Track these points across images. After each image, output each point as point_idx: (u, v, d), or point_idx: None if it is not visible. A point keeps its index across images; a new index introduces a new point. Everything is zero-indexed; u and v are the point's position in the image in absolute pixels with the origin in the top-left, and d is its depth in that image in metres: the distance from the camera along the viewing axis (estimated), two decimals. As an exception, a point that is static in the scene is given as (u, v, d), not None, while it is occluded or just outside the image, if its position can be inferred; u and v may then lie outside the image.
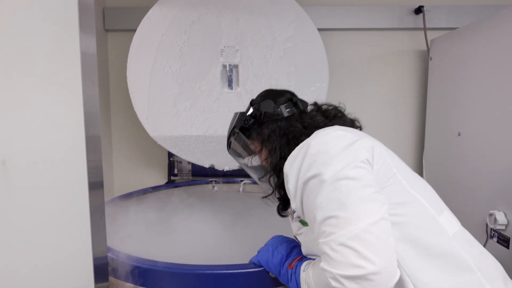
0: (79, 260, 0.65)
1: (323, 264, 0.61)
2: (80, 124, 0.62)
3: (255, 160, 0.95)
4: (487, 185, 1.35)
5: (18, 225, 0.58)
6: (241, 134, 0.94)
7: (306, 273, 0.72)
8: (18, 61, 0.59)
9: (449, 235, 0.67)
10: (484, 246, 0.72)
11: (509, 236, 1.22)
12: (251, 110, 0.93)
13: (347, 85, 2.00)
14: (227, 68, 1.69)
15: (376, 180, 0.66)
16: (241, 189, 1.73)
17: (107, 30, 1.98)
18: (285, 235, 0.93)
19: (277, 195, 0.90)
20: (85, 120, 0.62)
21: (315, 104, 0.92)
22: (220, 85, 1.69)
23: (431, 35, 1.84)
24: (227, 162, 1.75)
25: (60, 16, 0.60)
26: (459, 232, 0.70)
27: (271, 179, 0.88)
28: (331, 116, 0.87)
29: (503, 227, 1.24)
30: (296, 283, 0.76)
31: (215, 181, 1.77)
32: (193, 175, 1.96)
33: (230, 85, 1.70)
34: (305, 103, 0.94)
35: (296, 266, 0.78)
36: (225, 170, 1.76)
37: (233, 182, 1.78)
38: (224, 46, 1.67)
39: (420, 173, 1.87)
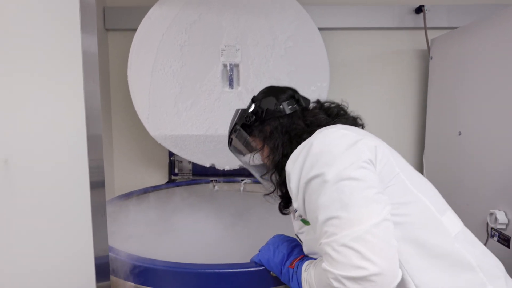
0: (80, 259, 0.65)
1: (325, 265, 0.61)
2: (81, 123, 0.62)
3: (256, 158, 0.94)
4: (487, 184, 1.35)
5: (19, 224, 0.58)
6: (242, 131, 0.93)
7: (308, 273, 0.72)
8: (20, 60, 0.59)
9: (451, 235, 0.67)
10: (485, 245, 0.73)
11: (509, 235, 1.22)
12: (252, 107, 0.93)
13: (348, 85, 2.00)
14: (228, 68, 1.69)
15: (379, 180, 0.66)
16: (241, 188, 1.73)
17: (107, 30, 1.98)
18: (286, 234, 0.93)
19: (279, 193, 0.89)
20: (86, 119, 0.62)
21: (318, 101, 0.92)
22: (220, 85, 1.69)
23: (431, 34, 1.84)
24: (227, 162, 1.76)
25: (62, 15, 0.60)
26: (462, 232, 0.70)
27: (273, 176, 0.87)
28: (334, 114, 0.86)
29: (504, 226, 1.24)
30: (298, 282, 0.76)
31: (216, 180, 1.77)
32: (193, 174, 1.96)
33: (230, 84, 1.70)
34: (307, 100, 0.93)
35: (298, 265, 0.78)
36: (225, 169, 1.76)
37: (234, 182, 1.78)
38: (225, 46, 1.67)
39: (421, 173, 1.87)
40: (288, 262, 0.80)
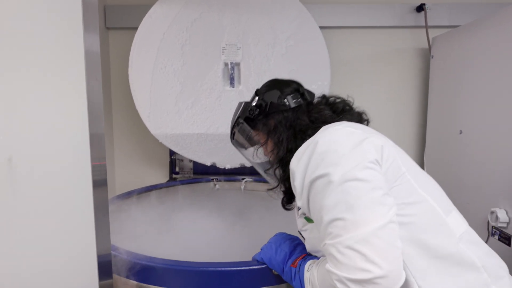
0: (83, 257, 0.65)
1: (329, 266, 0.61)
2: (84, 122, 0.62)
3: (260, 152, 0.92)
4: (488, 183, 1.35)
5: (23, 222, 0.58)
6: (245, 124, 0.91)
7: (310, 273, 0.72)
8: (23, 59, 0.59)
9: (456, 236, 0.66)
10: (486, 243, 0.73)
11: (510, 234, 1.22)
12: (256, 100, 0.90)
13: (349, 83, 2.00)
14: (229, 66, 1.69)
15: (385, 180, 0.65)
16: (242, 187, 1.73)
17: (108, 28, 1.98)
18: (287, 232, 0.93)
19: (282, 188, 0.88)
20: (89, 118, 0.63)
21: (324, 96, 0.89)
22: (221, 83, 1.69)
23: (432, 33, 1.84)
24: (228, 160, 1.76)
25: (64, 14, 0.60)
26: (466, 232, 0.69)
27: (277, 171, 0.86)
28: (339, 110, 0.84)
29: (505, 225, 1.24)
30: (300, 282, 0.75)
31: (217, 179, 1.77)
32: (194, 173, 1.96)
33: (231, 83, 1.70)
34: (312, 94, 0.91)
35: (300, 265, 0.77)
36: (226, 168, 1.76)
37: (235, 180, 1.78)
38: (226, 44, 1.67)
39: (421, 171, 1.87)
40: (290, 261, 0.80)
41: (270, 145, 0.88)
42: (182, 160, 1.96)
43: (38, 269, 0.62)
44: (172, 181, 1.80)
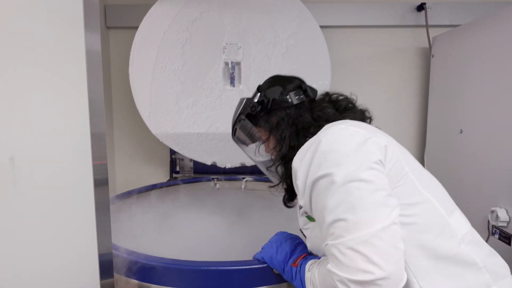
0: (84, 256, 0.65)
1: (330, 266, 0.61)
2: (85, 121, 0.62)
3: (261, 149, 0.92)
4: (489, 182, 1.35)
5: (25, 221, 0.59)
6: (247, 121, 0.91)
7: (311, 273, 0.72)
8: (24, 59, 0.59)
9: (458, 237, 0.66)
10: (487, 243, 0.73)
11: (510, 233, 1.22)
12: (258, 96, 0.89)
13: (349, 83, 2.00)
14: (229, 66, 1.69)
15: (388, 180, 0.64)
16: (243, 186, 1.73)
17: (108, 28, 1.98)
18: (288, 231, 0.93)
19: (284, 186, 0.87)
20: (90, 117, 0.63)
21: (327, 94, 0.88)
22: (222, 83, 1.69)
23: (433, 32, 1.84)
24: (229, 160, 1.76)
25: (65, 14, 0.60)
26: (469, 233, 0.69)
27: (279, 168, 0.85)
28: (342, 108, 0.83)
29: (505, 224, 1.24)
30: (301, 281, 0.75)
31: (217, 178, 1.77)
32: (195, 172, 1.96)
33: (232, 82, 1.70)
34: (314, 91, 0.90)
35: (301, 264, 0.77)
36: (227, 167, 1.76)
37: (235, 180, 1.78)
38: (226, 44, 1.67)
39: (422, 171, 1.87)
40: (291, 261, 0.80)
41: (272, 142, 0.87)
42: (182, 160, 1.96)
43: (39, 268, 0.62)
44: (173, 180, 1.80)
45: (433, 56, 1.82)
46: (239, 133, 0.95)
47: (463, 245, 0.65)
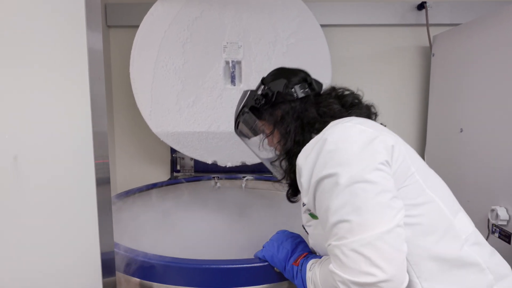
0: (87, 255, 0.65)
1: (332, 267, 0.61)
2: (87, 120, 0.63)
3: (265, 143, 0.90)
4: (489, 181, 1.36)
5: (28, 219, 0.59)
6: (251, 114, 0.88)
7: (313, 272, 0.72)
8: (26, 58, 0.59)
9: (462, 238, 0.65)
10: (487, 242, 0.73)
11: (510, 232, 1.23)
12: (262, 89, 0.87)
13: (349, 81, 1.98)
14: (230, 65, 1.69)
15: (394, 181, 0.63)
16: (243, 185, 1.73)
17: (109, 27, 1.98)
18: (289, 230, 0.93)
19: (288, 180, 0.86)
20: (92, 116, 0.63)
21: (333, 89, 0.86)
22: (223, 82, 1.69)
23: (433, 31, 1.84)
24: (229, 159, 1.76)
25: (67, 13, 0.60)
26: (472, 234, 0.68)
27: (283, 163, 0.84)
28: (348, 104, 0.82)
29: (505, 223, 1.24)
30: (302, 281, 0.75)
31: (218, 177, 1.77)
32: (195, 171, 1.97)
33: (233, 81, 1.71)
34: (319, 84, 0.88)
35: (302, 263, 0.77)
36: (227, 166, 1.76)
37: (236, 178, 1.78)
38: (227, 42, 1.67)
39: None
40: (292, 259, 0.80)
41: (276, 136, 0.85)
42: (183, 158, 1.96)
43: (42, 266, 0.62)
44: (173, 179, 1.81)
45: (433, 55, 1.82)
46: (242, 126, 0.93)
47: (467, 247, 0.65)
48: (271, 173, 1.86)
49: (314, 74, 1.81)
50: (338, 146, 0.64)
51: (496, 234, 1.28)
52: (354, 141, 0.64)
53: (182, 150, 1.75)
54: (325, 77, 1.73)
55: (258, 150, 0.94)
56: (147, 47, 1.65)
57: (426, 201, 0.66)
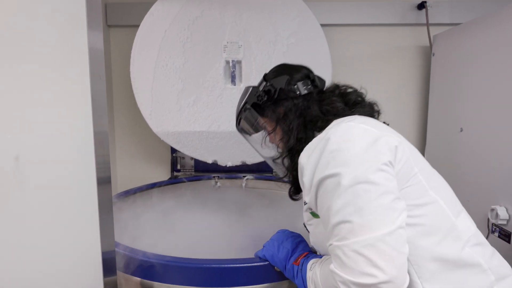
0: (88, 254, 0.65)
1: (333, 267, 0.60)
2: (88, 120, 0.63)
3: (267, 140, 0.89)
4: (489, 180, 1.36)
5: (30, 219, 0.59)
6: (253, 110, 0.88)
7: (313, 272, 0.72)
8: (27, 58, 0.59)
9: (463, 239, 0.65)
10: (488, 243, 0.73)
11: (510, 231, 1.23)
12: (264, 85, 0.86)
13: (350, 81, 1.98)
14: (230, 64, 1.69)
15: (397, 181, 0.63)
16: (243, 184, 1.74)
17: (109, 26, 1.98)
18: (289, 229, 0.93)
19: (290, 178, 0.85)
20: (93, 116, 0.63)
21: (337, 87, 0.85)
22: (223, 81, 1.69)
23: (433, 30, 1.84)
24: (229, 158, 1.76)
25: (68, 12, 0.60)
26: (474, 235, 0.68)
27: (285, 161, 0.83)
28: (351, 102, 0.81)
29: (505, 222, 1.25)
30: (302, 280, 0.75)
31: (218, 176, 1.77)
32: (196, 170, 1.97)
33: (233, 81, 1.71)
34: (322, 81, 0.87)
35: (302, 263, 0.77)
36: (227, 166, 1.76)
37: (236, 178, 1.79)
38: (227, 42, 1.67)
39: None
40: (292, 259, 0.80)
41: (278, 133, 0.84)
42: (183, 158, 1.96)
43: (43, 266, 0.62)
44: (174, 179, 1.81)
45: (433, 55, 1.82)
46: (244, 122, 0.92)
47: (469, 247, 0.65)
48: (272, 173, 1.87)
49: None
50: (341, 146, 0.63)
51: (496, 234, 1.29)
52: (357, 141, 0.64)
53: (183, 149, 1.75)
54: (325, 77, 1.70)
55: (260, 147, 0.93)
56: (147, 46, 1.65)
57: (428, 202, 0.66)
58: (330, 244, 0.62)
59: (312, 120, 0.79)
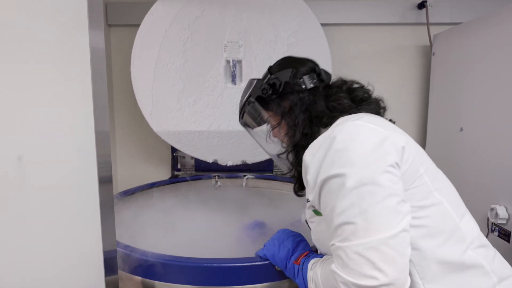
0: (89, 254, 0.66)
1: (334, 267, 0.60)
2: (90, 120, 0.63)
3: (271, 134, 0.87)
4: (488, 180, 1.36)
5: (32, 218, 0.59)
6: (257, 104, 0.85)
7: (314, 271, 0.72)
8: (29, 58, 0.59)
9: (467, 241, 0.65)
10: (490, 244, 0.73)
11: (510, 230, 1.23)
12: (269, 78, 0.84)
13: (350, 81, 2.00)
14: (231, 64, 1.69)
15: (402, 181, 0.62)
16: (244, 184, 1.74)
17: (109, 26, 1.98)
18: (290, 229, 0.93)
19: (295, 174, 0.84)
20: (94, 115, 0.63)
21: (344, 82, 0.83)
22: (223, 81, 1.70)
23: (434, 30, 1.84)
24: (230, 158, 1.76)
25: (69, 11, 0.60)
26: (477, 238, 0.68)
27: (290, 156, 0.81)
28: (358, 99, 0.79)
29: (504, 221, 1.25)
30: (303, 279, 0.75)
31: (218, 176, 1.77)
32: (196, 170, 1.97)
33: (233, 80, 1.71)
34: (328, 75, 0.86)
35: (303, 262, 0.77)
36: (228, 165, 1.77)
37: (236, 177, 1.79)
38: (228, 42, 1.67)
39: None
40: (293, 258, 0.80)
41: (283, 127, 0.83)
42: (184, 157, 1.97)
43: (45, 265, 0.62)
44: (174, 178, 1.81)
45: (433, 54, 1.82)
46: (248, 116, 0.90)
47: (472, 249, 0.65)
48: (272, 172, 1.87)
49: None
50: (347, 145, 0.62)
51: (496, 233, 1.29)
52: (364, 141, 0.63)
53: (183, 149, 1.75)
54: (326, 76, 1.73)
55: (264, 142, 0.92)
56: (147, 46, 1.66)
57: (433, 203, 0.65)
58: (333, 244, 0.62)
59: (318, 116, 0.77)
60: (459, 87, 1.59)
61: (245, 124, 0.96)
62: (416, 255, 0.62)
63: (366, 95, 0.81)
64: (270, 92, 0.83)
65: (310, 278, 0.73)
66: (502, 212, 1.24)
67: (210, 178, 1.78)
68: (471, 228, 0.68)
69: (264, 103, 0.85)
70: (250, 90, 0.88)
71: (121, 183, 2.10)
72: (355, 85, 0.83)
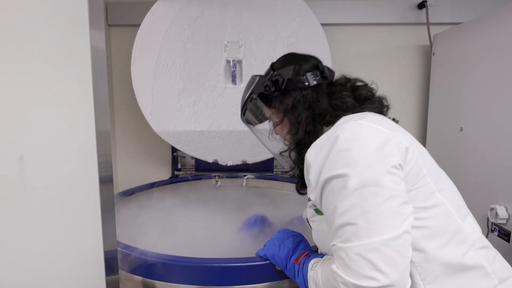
0: (90, 254, 0.66)
1: (335, 267, 0.60)
2: (91, 120, 0.63)
3: (273, 132, 0.87)
4: (488, 180, 1.36)
5: (33, 218, 0.59)
6: (260, 101, 0.84)
7: (314, 271, 0.72)
8: (30, 58, 0.59)
9: (469, 243, 0.65)
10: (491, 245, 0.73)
11: (509, 230, 1.23)
12: (271, 75, 0.83)
13: (350, 81, 2.00)
14: (231, 64, 1.69)
15: (405, 182, 0.62)
16: (244, 183, 1.74)
17: (110, 25, 1.98)
18: (290, 228, 0.93)
19: (297, 172, 0.83)
20: (95, 115, 0.63)
21: (348, 80, 0.82)
22: (223, 81, 1.70)
23: (434, 30, 1.84)
24: (230, 157, 1.77)
25: (70, 11, 0.60)
26: (479, 239, 0.68)
27: (292, 153, 0.81)
28: (361, 97, 0.78)
29: (504, 221, 1.25)
30: (303, 279, 0.75)
31: (219, 176, 1.78)
32: (196, 170, 1.97)
33: (233, 80, 1.71)
34: (332, 72, 0.85)
35: (304, 262, 0.77)
36: (228, 165, 1.77)
37: (237, 177, 1.79)
38: (228, 42, 1.67)
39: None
40: (293, 258, 0.80)
41: (286, 125, 0.82)
42: (184, 157, 1.97)
43: (46, 265, 0.62)
44: (174, 178, 1.81)
45: (433, 54, 1.82)
46: (250, 113, 0.89)
47: (474, 251, 0.65)
48: (272, 172, 1.87)
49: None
50: (349, 146, 0.62)
51: (496, 233, 1.29)
52: (367, 141, 0.62)
53: (183, 149, 1.75)
54: (326, 76, 1.73)
55: (266, 139, 0.91)
56: (148, 46, 1.66)
57: (435, 204, 0.65)
58: (334, 245, 0.62)
59: (321, 114, 0.76)
60: (459, 87, 1.59)
61: (247, 121, 0.95)
62: (417, 256, 0.62)
63: (369, 93, 0.81)
64: (273, 89, 0.82)
65: (311, 278, 0.73)
66: (502, 212, 1.25)
67: (210, 178, 1.79)
68: (473, 229, 0.68)
69: (267, 100, 0.85)
70: (253, 86, 0.87)
71: (121, 183, 2.10)
72: (359, 83, 0.82)
